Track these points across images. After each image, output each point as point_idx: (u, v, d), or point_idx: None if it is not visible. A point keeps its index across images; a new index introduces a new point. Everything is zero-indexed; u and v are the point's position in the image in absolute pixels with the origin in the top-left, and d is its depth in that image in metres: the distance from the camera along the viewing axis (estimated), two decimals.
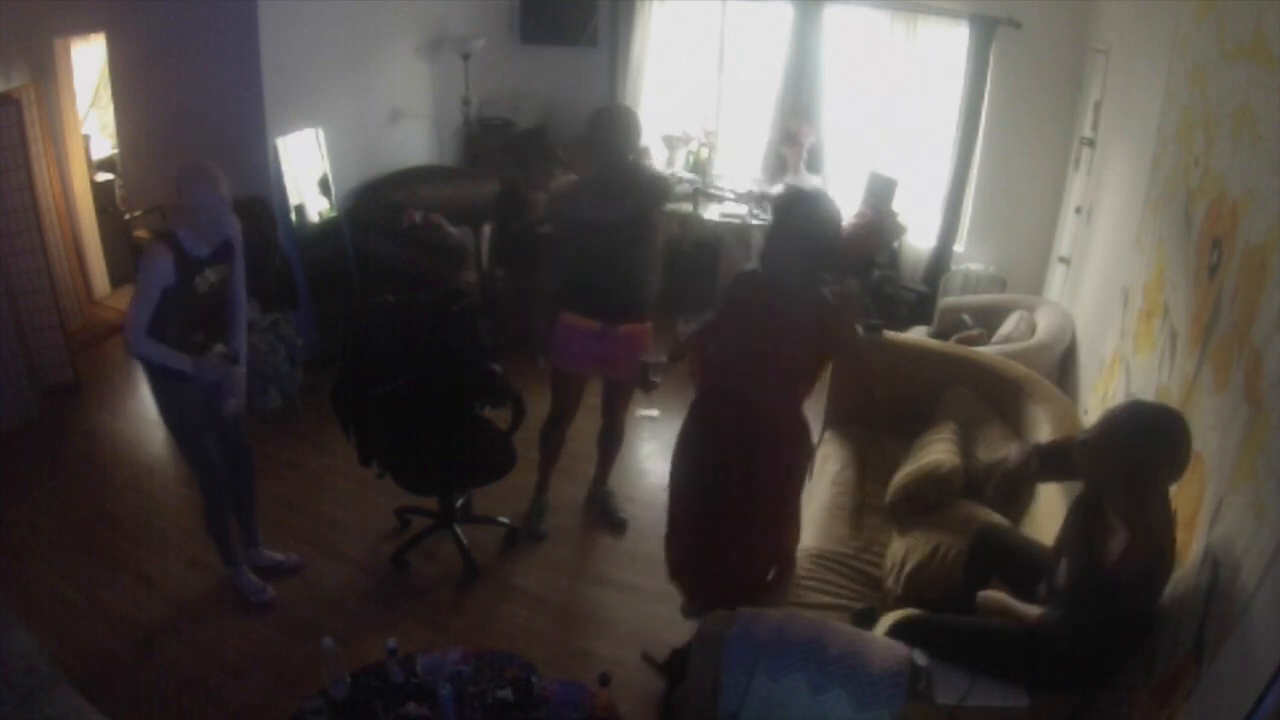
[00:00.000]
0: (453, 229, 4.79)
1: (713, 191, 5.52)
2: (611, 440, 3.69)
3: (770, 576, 2.88)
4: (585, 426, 3.76)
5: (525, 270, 4.33)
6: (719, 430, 2.74)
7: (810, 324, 2.56)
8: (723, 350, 2.69)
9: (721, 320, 2.73)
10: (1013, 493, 2.76)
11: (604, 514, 3.75)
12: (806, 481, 3.03)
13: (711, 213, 5.39)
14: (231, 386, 2.96)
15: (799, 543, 2.92)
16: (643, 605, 3.29)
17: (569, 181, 3.34)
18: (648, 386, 3.00)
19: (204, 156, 4.49)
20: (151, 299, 2.70)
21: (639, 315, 3.32)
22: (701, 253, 5.60)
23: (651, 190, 3.22)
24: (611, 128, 3.10)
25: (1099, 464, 2.03)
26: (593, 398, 3.64)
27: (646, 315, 3.36)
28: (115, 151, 5.41)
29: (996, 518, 2.77)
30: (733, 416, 2.69)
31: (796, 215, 2.57)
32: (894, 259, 5.27)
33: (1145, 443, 1.93)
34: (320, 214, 4.75)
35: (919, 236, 5.25)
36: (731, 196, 5.41)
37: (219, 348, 2.96)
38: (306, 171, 4.64)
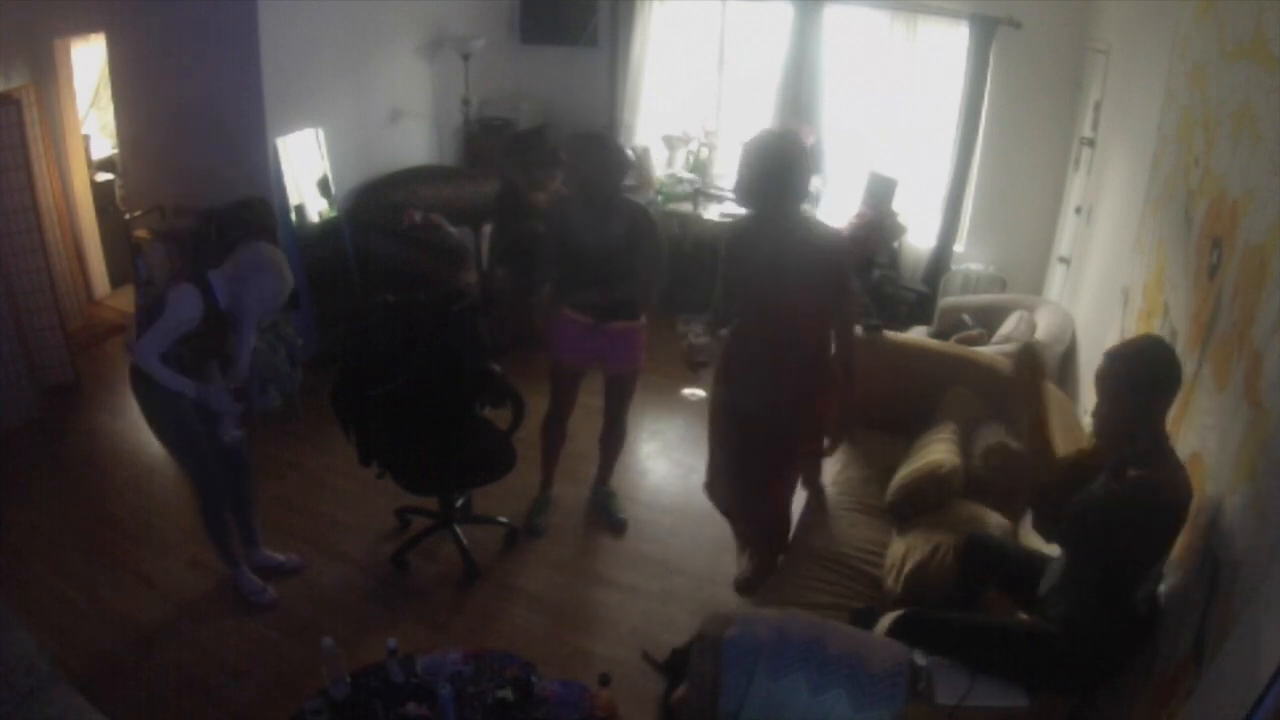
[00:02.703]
0: (453, 229, 4.79)
1: (713, 191, 5.52)
2: (613, 439, 3.70)
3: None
4: (588, 426, 3.76)
5: (525, 270, 4.35)
6: (753, 370, 2.90)
7: (814, 256, 2.74)
8: (748, 298, 2.89)
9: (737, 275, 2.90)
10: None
11: (604, 514, 3.75)
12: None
13: (711, 213, 5.40)
14: (227, 416, 3.01)
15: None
16: (643, 605, 3.29)
17: (560, 196, 3.38)
18: (695, 366, 3.06)
19: (204, 157, 4.48)
20: (170, 335, 2.77)
21: (631, 314, 3.38)
22: (701, 253, 5.60)
23: (636, 227, 3.25)
24: (589, 160, 3.17)
25: (1109, 417, 2.04)
26: (595, 398, 3.64)
27: (639, 314, 3.41)
28: (115, 151, 5.41)
29: (995, 518, 2.77)
30: (764, 355, 2.87)
31: (767, 154, 2.73)
32: (894, 259, 5.27)
33: (1140, 369, 1.97)
34: (320, 214, 4.75)
35: (919, 236, 5.25)
36: (732, 197, 5.41)
37: (219, 382, 2.97)
38: (306, 171, 4.64)
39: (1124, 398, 1.98)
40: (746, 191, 2.78)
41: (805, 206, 2.91)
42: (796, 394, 2.88)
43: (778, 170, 2.68)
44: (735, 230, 2.96)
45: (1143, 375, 1.96)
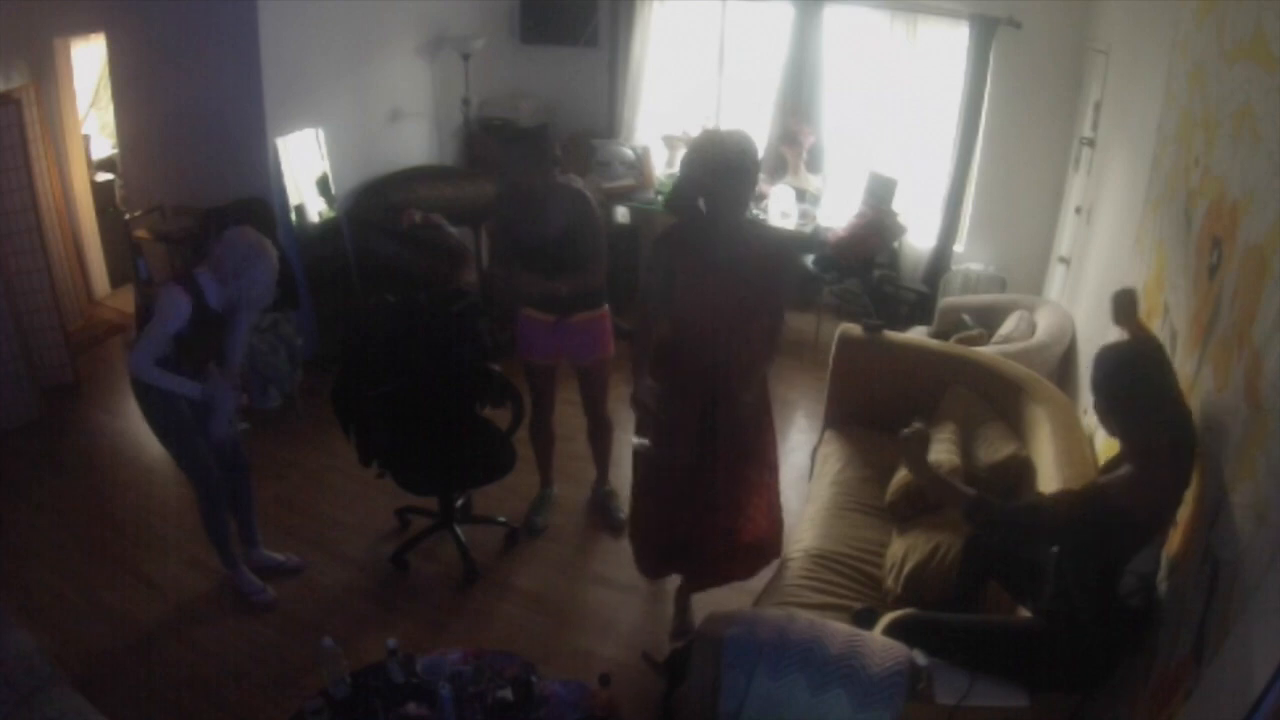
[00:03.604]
0: (453, 229, 4.79)
1: None
2: (599, 434, 3.70)
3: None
4: (583, 426, 3.75)
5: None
6: (686, 396, 2.75)
7: (749, 260, 2.61)
8: (680, 313, 2.73)
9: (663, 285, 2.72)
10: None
11: (605, 514, 3.75)
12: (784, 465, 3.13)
13: None
14: (224, 411, 3.00)
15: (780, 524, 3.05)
16: (643, 605, 3.29)
17: (502, 193, 3.35)
18: (643, 409, 2.84)
19: (204, 157, 4.48)
20: (162, 340, 2.77)
21: (591, 305, 3.37)
22: None
23: (573, 211, 3.18)
24: (514, 153, 3.12)
25: (1101, 419, 2.06)
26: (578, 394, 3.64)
27: (601, 303, 3.41)
28: (115, 151, 5.41)
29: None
30: (697, 382, 2.73)
31: (701, 154, 2.57)
32: (894, 259, 5.27)
33: (1112, 379, 2.00)
34: (320, 214, 4.75)
35: (919, 236, 5.25)
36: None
37: (217, 376, 2.97)
38: (306, 171, 4.64)
39: (1101, 404, 2.02)
40: (686, 194, 2.61)
41: (751, 213, 2.79)
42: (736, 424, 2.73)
43: (724, 170, 2.50)
44: (668, 242, 2.70)
45: (1115, 385, 1.99)
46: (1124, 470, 1.96)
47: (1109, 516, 1.92)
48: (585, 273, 3.23)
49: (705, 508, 2.84)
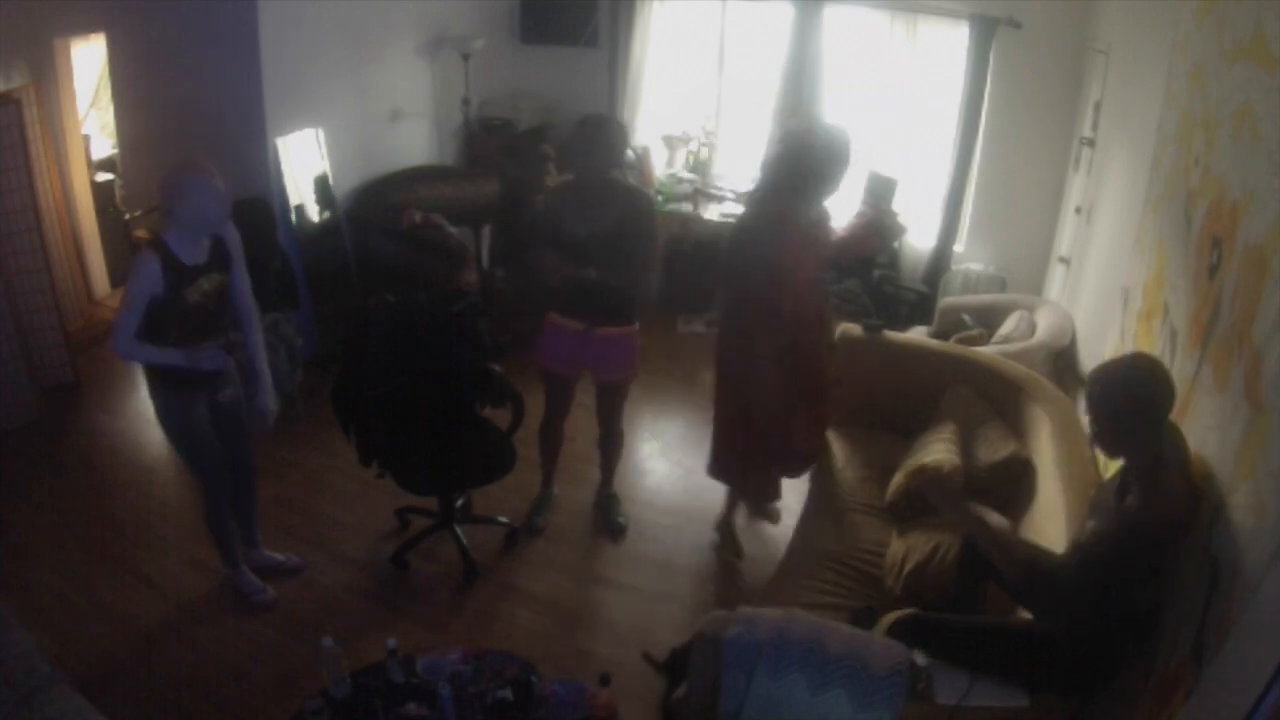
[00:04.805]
0: (453, 229, 4.80)
1: (712, 191, 5.52)
2: (609, 445, 3.69)
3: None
4: (588, 427, 3.76)
5: (524, 270, 4.34)
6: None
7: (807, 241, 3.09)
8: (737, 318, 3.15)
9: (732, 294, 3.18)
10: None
11: (605, 518, 3.74)
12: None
13: (711, 213, 5.40)
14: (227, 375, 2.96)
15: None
16: (643, 605, 3.29)
17: (560, 183, 3.33)
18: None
19: (204, 156, 4.49)
20: (137, 307, 2.67)
21: (623, 319, 3.34)
22: (701, 253, 5.61)
23: (631, 208, 3.18)
24: (591, 139, 3.11)
25: (1100, 438, 2.04)
26: (593, 399, 3.63)
27: (632, 319, 3.37)
28: (115, 151, 5.41)
29: (996, 518, 2.77)
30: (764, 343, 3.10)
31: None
32: (894, 259, 5.27)
33: (1118, 396, 1.97)
34: (320, 214, 4.75)
35: (919, 236, 5.25)
36: (731, 196, 5.42)
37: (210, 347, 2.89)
38: (306, 171, 4.64)
39: (1104, 423, 1.99)
40: (788, 182, 3.01)
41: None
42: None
43: (821, 165, 2.98)
44: (744, 227, 3.17)
45: (1120, 403, 1.95)
46: (1137, 492, 1.94)
47: (1153, 538, 1.90)
48: (624, 270, 3.17)
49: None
